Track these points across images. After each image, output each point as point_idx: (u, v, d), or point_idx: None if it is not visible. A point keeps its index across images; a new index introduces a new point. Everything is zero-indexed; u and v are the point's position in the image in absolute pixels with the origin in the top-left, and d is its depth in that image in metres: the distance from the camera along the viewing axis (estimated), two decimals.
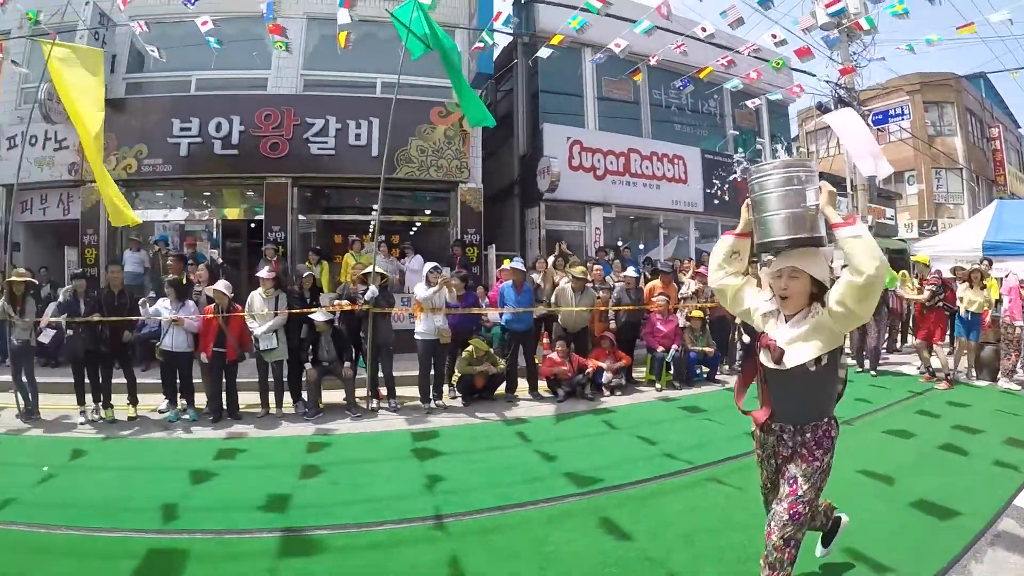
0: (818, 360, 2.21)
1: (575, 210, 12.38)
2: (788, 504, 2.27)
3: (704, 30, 9.78)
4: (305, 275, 6.93)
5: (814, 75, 19.70)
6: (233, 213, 11.34)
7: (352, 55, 9.27)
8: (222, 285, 6.48)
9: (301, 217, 10.96)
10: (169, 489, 4.38)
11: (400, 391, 7.11)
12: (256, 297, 6.62)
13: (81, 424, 6.33)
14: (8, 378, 7.15)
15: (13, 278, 6.83)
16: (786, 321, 2.32)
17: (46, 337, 7.70)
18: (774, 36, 9.75)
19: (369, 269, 6.97)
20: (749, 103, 13.18)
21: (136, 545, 3.46)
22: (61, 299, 7.13)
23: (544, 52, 9.76)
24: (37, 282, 8.12)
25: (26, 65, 10.28)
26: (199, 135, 10.22)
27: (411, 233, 12.50)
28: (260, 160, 10.24)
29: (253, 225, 11.43)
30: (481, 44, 9.67)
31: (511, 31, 10.89)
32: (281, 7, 8.34)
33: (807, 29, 12.01)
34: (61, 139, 10.49)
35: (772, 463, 2.50)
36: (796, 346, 2.25)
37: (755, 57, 10.99)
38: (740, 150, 14.15)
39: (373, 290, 6.68)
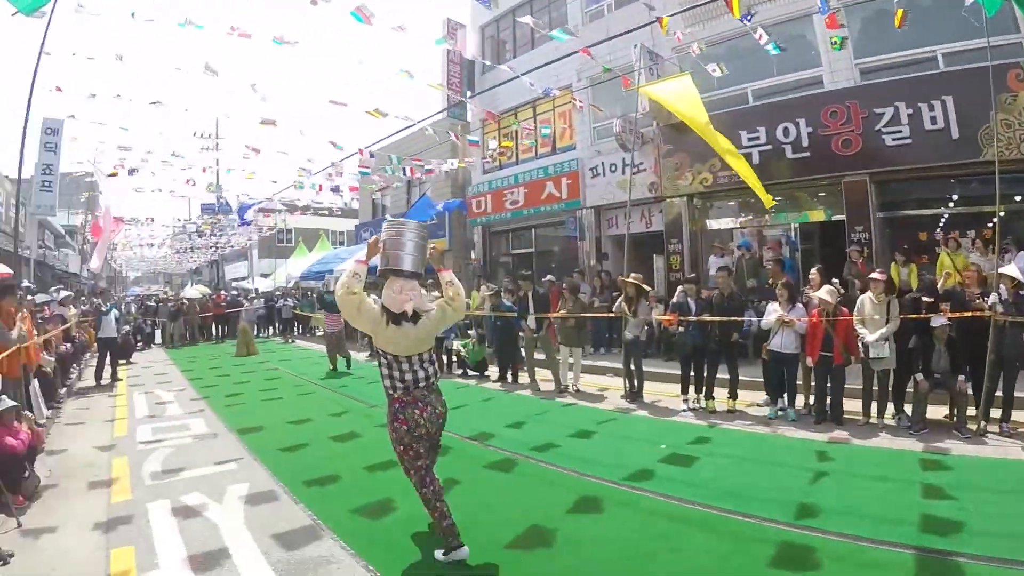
0: None
1: None
2: None
3: None
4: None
5: None
6: (810, 215, 11.33)
7: (901, 32, 8.20)
8: (825, 291, 6.49)
9: (880, 215, 10.18)
10: (788, 483, 4.55)
11: (1016, 415, 5.94)
12: (866, 301, 6.37)
13: (682, 411, 7.23)
14: (618, 364, 8.75)
15: (628, 280, 8.25)
16: None
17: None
18: None
19: (1008, 270, 5.98)
20: None
21: (768, 533, 3.67)
22: (674, 300, 8.22)
23: None
24: (648, 288, 9.86)
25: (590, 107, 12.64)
26: (768, 142, 10.63)
27: (989, 225, 10.35)
28: (834, 159, 10.02)
29: (821, 226, 11.27)
30: None
31: None
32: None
33: None
34: (638, 163, 12.07)
35: None
36: None
37: None
38: None
39: (999, 294, 5.75)
